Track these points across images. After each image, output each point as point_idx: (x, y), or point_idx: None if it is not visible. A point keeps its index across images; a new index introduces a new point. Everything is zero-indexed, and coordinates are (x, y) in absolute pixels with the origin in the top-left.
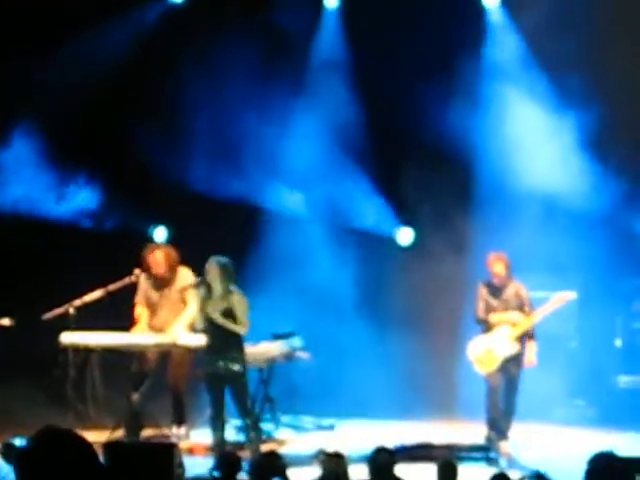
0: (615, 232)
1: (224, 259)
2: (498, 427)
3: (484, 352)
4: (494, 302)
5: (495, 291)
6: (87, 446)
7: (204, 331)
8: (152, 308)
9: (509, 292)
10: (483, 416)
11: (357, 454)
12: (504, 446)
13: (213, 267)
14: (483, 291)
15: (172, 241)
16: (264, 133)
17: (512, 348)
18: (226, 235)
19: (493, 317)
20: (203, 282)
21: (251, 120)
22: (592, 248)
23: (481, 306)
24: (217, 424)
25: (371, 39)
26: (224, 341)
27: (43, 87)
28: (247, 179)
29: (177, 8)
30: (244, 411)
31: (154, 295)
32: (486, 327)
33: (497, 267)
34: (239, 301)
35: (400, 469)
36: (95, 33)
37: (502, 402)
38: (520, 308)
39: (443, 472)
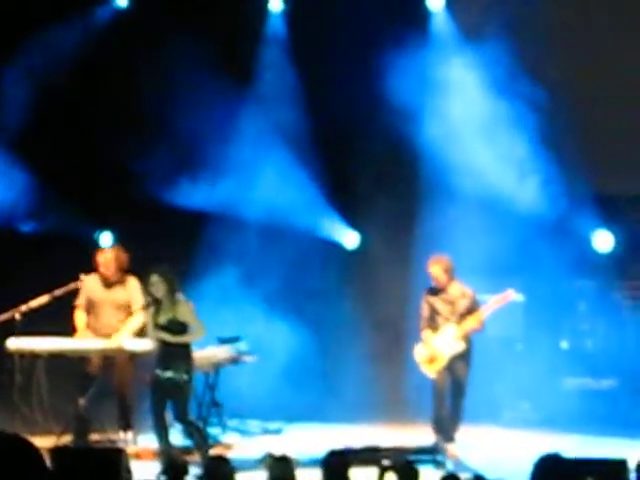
0: (560, 233)
1: (164, 268)
2: (445, 429)
3: (430, 353)
4: (440, 306)
5: (439, 294)
6: (34, 450)
7: (154, 340)
8: (95, 310)
9: (454, 294)
10: (430, 418)
11: (305, 458)
12: (451, 448)
13: (155, 279)
14: (428, 297)
15: (121, 245)
16: (211, 135)
17: (458, 346)
18: (170, 239)
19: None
20: (150, 301)
21: (198, 122)
22: (537, 250)
23: (425, 315)
24: (160, 429)
25: (315, 39)
26: (171, 350)
27: None
28: (193, 182)
29: (123, 12)
30: (183, 420)
31: (99, 296)
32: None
33: (434, 270)
34: (186, 309)
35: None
36: (42, 37)
37: (449, 404)
38: (468, 311)
39: (404, 477)
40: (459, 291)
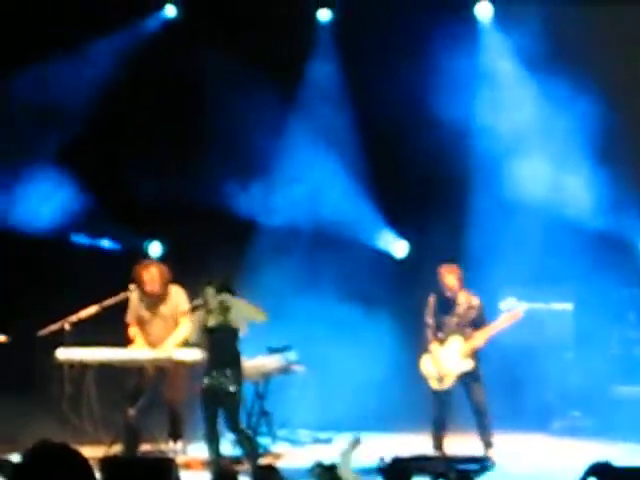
0: (610, 242)
1: (215, 279)
2: (483, 437)
3: (438, 370)
4: (447, 317)
5: (448, 305)
6: (82, 460)
7: (203, 347)
8: (143, 326)
9: (462, 305)
10: (475, 427)
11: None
12: (491, 453)
13: (208, 291)
14: (434, 305)
15: (166, 257)
16: (259, 146)
17: (465, 365)
18: (221, 248)
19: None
20: (197, 306)
21: (247, 133)
22: (587, 258)
23: (430, 323)
24: (211, 439)
25: (364, 46)
26: (221, 357)
27: (39, 102)
28: (244, 190)
29: (172, 22)
30: (235, 429)
31: (146, 314)
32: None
33: (449, 279)
34: (237, 302)
35: None
36: (87, 49)
37: (475, 415)
38: (473, 323)
39: None
40: (467, 302)
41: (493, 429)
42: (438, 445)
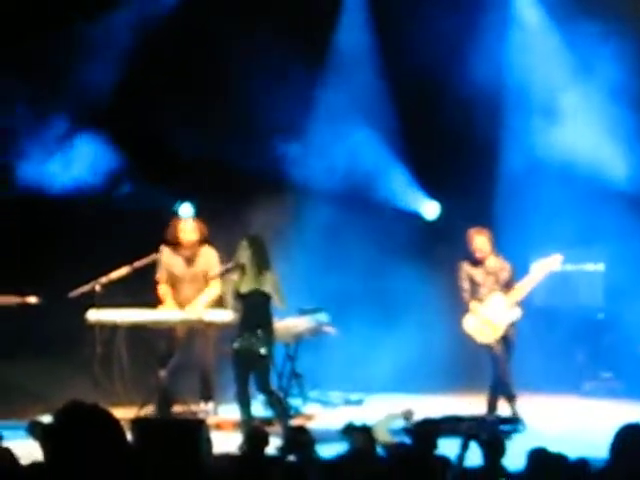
0: (639, 202)
1: (256, 238)
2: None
3: (484, 323)
4: (481, 277)
5: (480, 266)
6: (113, 420)
7: (235, 310)
8: (175, 284)
9: (494, 266)
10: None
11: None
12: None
13: (244, 248)
14: (469, 268)
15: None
16: (290, 108)
17: (514, 313)
18: (252, 211)
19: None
20: (236, 266)
21: (277, 96)
22: (617, 220)
23: (466, 287)
24: (243, 400)
25: (392, 8)
26: (252, 319)
27: (68, 59)
28: (273, 154)
29: None
30: (265, 390)
31: (179, 271)
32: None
33: (479, 241)
34: (273, 279)
35: None
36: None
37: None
38: (507, 284)
39: (490, 448)
40: (499, 263)
41: (516, 390)
42: (510, 399)
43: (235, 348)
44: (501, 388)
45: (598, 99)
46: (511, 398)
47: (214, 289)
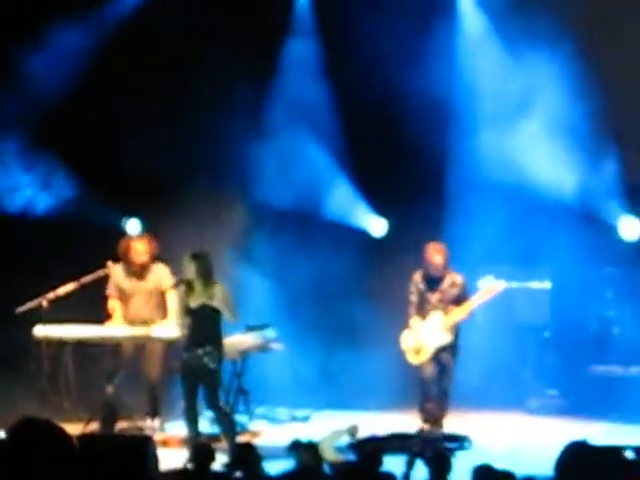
0: (587, 221)
1: (199, 253)
2: (433, 417)
3: (416, 343)
4: (429, 294)
5: (432, 282)
6: (65, 436)
7: (183, 325)
8: (126, 299)
9: (446, 283)
10: (459, 404)
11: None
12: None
13: (188, 264)
14: (419, 281)
15: (145, 234)
16: (234, 125)
17: (444, 338)
18: (197, 228)
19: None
20: (181, 281)
21: (224, 109)
22: (563, 237)
23: (413, 300)
24: (190, 416)
25: (340, 17)
26: (202, 335)
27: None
28: (218, 172)
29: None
30: (214, 406)
31: (129, 286)
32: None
33: (437, 258)
34: (222, 292)
35: None
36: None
37: (435, 391)
38: (455, 300)
39: (436, 465)
40: (450, 280)
41: (449, 411)
42: (426, 418)
43: (184, 360)
44: (420, 409)
45: (545, 112)
46: (427, 420)
47: (172, 300)
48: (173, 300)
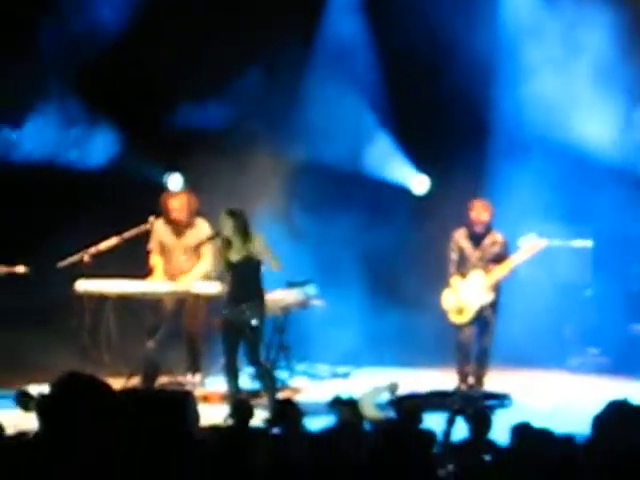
0: (628, 179)
1: (235, 210)
2: (472, 375)
3: (458, 303)
4: (471, 251)
5: (473, 240)
6: (109, 392)
7: (224, 280)
8: (167, 255)
9: (487, 241)
10: (500, 363)
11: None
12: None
13: (226, 220)
14: (461, 239)
15: (188, 190)
16: (279, 82)
17: (486, 297)
18: (241, 183)
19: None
20: (217, 234)
21: (263, 75)
22: (605, 196)
23: (454, 258)
24: (230, 372)
25: None
26: (244, 291)
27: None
28: (266, 128)
29: None
30: (255, 362)
31: (170, 241)
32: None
33: (483, 215)
34: (262, 244)
35: None
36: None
37: (476, 349)
38: (496, 258)
39: (476, 423)
40: (491, 238)
41: (489, 369)
42: (463, 379)
43: (225, 318)
44: (457, 371)
45: (589, 64)
46: (464, 380)
47: (206, 261)
48: (208, 253)
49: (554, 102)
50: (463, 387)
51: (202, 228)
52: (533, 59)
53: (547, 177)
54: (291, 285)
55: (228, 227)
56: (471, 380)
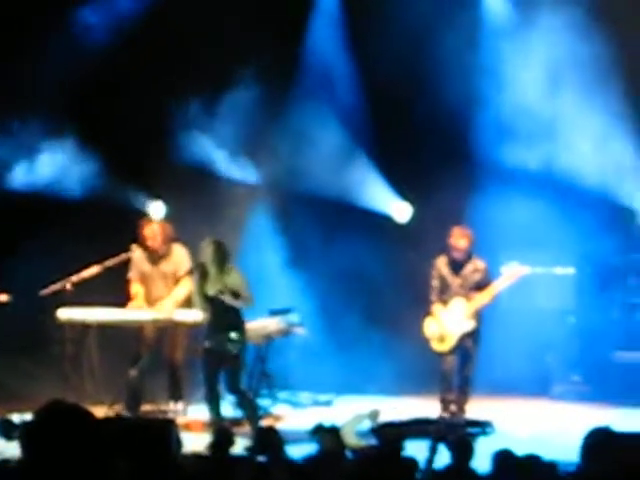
0: (611, 207)
1: (216, 240)
2: (454, 403)
3: (440, 331)
4: (452, 278)
5: (454, 267)
6: (91, 420)
7: (204, 310)
8: (146, 282)
9: (468, 268)
10: (483, 391)
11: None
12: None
13: (206, 248)
14: (442, 266)
15: (169, 217)
16: (261, 109)
17: (467, 325)
18: (221, 212)
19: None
20: (197, 265)
21: (245, 101)
22: (588, 224)
23: (435, 285)
24: (212, 400)
25: (369, 17)
26: (223, 320)
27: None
28: (241, 159)
29: None
30: (236, 390)
31: (148, 270)
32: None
33: (461, 242)
34: (236, 277)
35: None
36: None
37: (457, 378)
38: (477, 286)
39: (459, 450)
40: (472, 265)
41: (471, 396)
42: (445, 407)
43: (206, 347)
44: (440, 399)
45: (569, 95)
46: (445, 409)
47: (184, 288)
48: (185, 286)
49: (536, 127)
50: (445, 415)
51: (179, 255)
52: (515, 83)
53: (530, 204)
54: (273, 313)
55: (207, 255)
56: (453, 408)
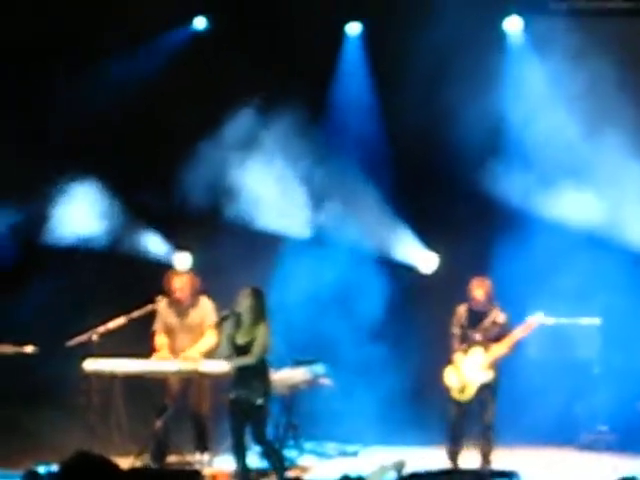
0: (636, 257)
1: (257, 289)
2: (480, 453)
3: (460, 380)
4: (471, 330)
5: (475, 318)
6: (118, 471)
7: (230, 359)
8: (171, 335)
9: (487, 321)
10: (510, 440)
11: None
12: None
13: (245, 298)
14: (461, 316)
15: (195, 268)
16: (287, 153)
17: (485, 376)
18: (248, 262)
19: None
20: (232, 314)
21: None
22: (613, 273)
23: (456, 333)
24: (239, 451)
25: (392, 59)
26: (250, 371)
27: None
28: (268, 206)
29: (201, 35)
30: (261, 441)
31: (174, 322)
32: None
33: (478, 293)
34: (262, 333)
35: None
36: (120, 61)
37: (478, 427)
38: (497, 338)
39: None
40: (493, 317)
41: (496, 445)
42: (453, 458)
43: (231, 398)
44: (447, 450)
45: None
46: (453, 459)
47: (210, 339)
48: (211, 337)
49: (559, 176)
50: (454, 466)
51: (205, 307)
52: (539, 131)
53: (555, 255)
54: (299, 363)
55: (245, 304)
56: (472, 458)
